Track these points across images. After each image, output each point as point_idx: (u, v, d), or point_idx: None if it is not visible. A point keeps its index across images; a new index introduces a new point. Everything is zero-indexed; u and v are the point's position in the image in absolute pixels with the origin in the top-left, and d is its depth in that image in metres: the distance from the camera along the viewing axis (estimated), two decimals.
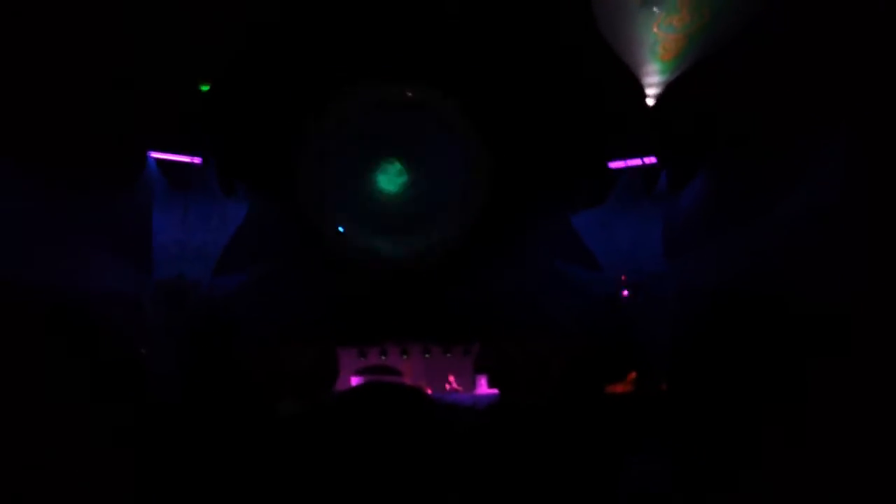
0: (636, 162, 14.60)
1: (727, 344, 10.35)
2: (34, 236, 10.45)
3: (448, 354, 15.66)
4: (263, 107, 13.46)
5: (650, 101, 10.87)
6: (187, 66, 11.90)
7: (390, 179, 15.33)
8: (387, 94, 14.93)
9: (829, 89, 10.09)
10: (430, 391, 14.23)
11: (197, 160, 14.07)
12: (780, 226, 11.42)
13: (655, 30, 9.98)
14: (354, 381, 14.51)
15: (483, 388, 14.36)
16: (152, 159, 13.74)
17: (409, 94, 14.85)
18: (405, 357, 15.51)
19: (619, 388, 11.13)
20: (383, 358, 15.37)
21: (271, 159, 14.17)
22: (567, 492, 3.31)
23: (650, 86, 10.82)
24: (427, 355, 15.59)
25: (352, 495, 2.32)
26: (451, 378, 14.78)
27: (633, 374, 11.54)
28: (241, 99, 13.19)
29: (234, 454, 3.40)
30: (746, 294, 11.22)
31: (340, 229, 15.11)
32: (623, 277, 14.48)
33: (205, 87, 12.29)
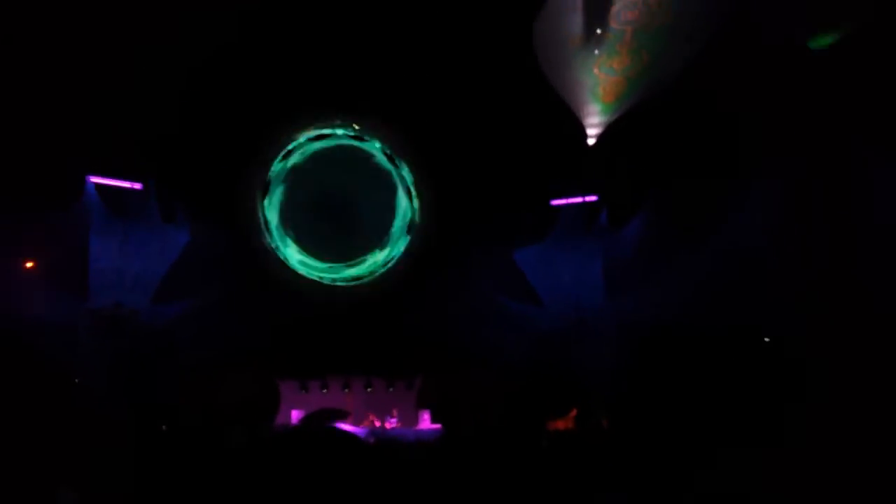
0: (577, 199, 14.89)
1: (667, 378, 10.57)
2: None
3: (391, 388, 15.57)
4: (206, 133, 13.34)
5: (591, 141, 11.11)
6: (131, 91, 11.76)
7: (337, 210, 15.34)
8: (330, 124, 14.98)
9: (767, 126, 10.52)
10: (377, 423, 14.13)
11: (137, 185, 13.83)
12: (717, 260, 11.78)
13: (596, 71, 10.23)
14: (295, 415, 14.30)
15: (426, 422, 14.29)
16: (91, 184, 13.47)
17: (354, 126, 14.93)
18: (347, 391, 15.37)
19: (560, 425, 11.20)
20: (324, 392, 15.19)
21: (212, 186, 14.02)
22: None
23: (591, 126, 11.05)
24: (369, 389, 15.48)
25: None
26: (395, 412, 14.69)
27: (575, 411, 11.64)
28: (184, 125, 13.06)
29: (171, 482, 3.35)
30: (685, 328, 11.50)
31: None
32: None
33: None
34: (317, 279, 15.16)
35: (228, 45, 12.22)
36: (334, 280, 15.22)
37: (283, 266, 15.05)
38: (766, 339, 10.57)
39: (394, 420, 14.50)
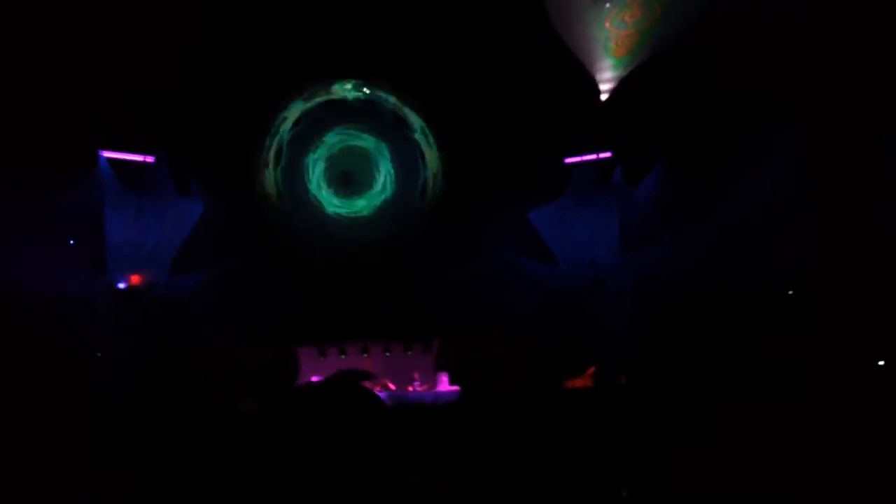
0: (591, 157, 14.74)
1: (684, 335, 10.55)
2: None
3: (409, 352, 15.64)
4: (218, 104, 13.30)
5: (604, 97, 10.96)
6: (141, 62, 11.70)
7: (348, 179, 15.35)
8: (341, 91, 14.89)
9: (783, 81, 10.33)
10: (393, 387, 14.20)
11: (150, 159, 13.83)
12: (734, 216, 11.66)
13: (607, 25, 10.06)
14: (315, 381, 14.41)
15: (444, 384, 14.37)
16: (104, 158, 13.48)
17: (365, 90, 14.83)
18: (366, 356, 15.46)
19: (577, 383, 11.23)
20: (343, 357, 15.29)
21: (226, 156, 14.02)
22: (529, 486, 3.34)
23: (604, 81, 10.90)
24: (387, 353, 15.56)
25: (312, 489, 2.31)
26: (416, 375, 14.76)
27: (592, 369, 11.66)
28: (196, 96, 13.01)
29: (191, 453, 3.36)
30: (702, 285, 11.44)
31: None
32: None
33: None
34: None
35: (239, 9, 12.14)
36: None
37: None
38: (790, 292, 10.49)
39: (417, 384, 14.57)
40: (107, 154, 13.50)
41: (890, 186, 9.56)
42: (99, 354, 12.39)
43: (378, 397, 2.63)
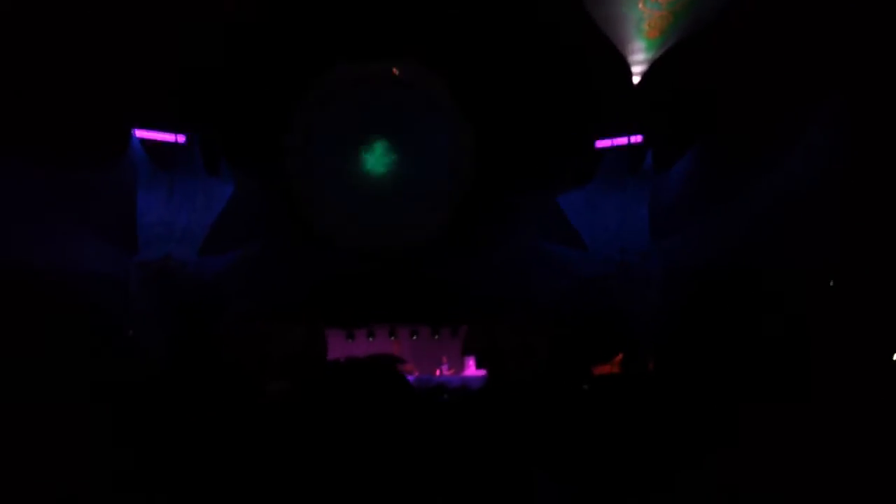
0: (622, 141, 14.57)
1: (713, 322, 10.43)
2: (17, 217, 10.37)
3: (436, 336, 15.69)
4: (249, 84, 13.35)
5: (636, 80, 10.82)
6: (173, 44, 11.76)
7: (377, 160, 15.29)
8: (373, 72, 14.85)
9: (815, 69, 10.11)
10: (416, 373, 14.27)
11: (181, 139, 13.94)
12: (765, 204, 11.47)
13: (641, 7, 9.92)
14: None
15: (472, 369, 14.40)
16: (136, 138, 13.61)
17: (396, 72, 14.78)
18: (393, 339, 15.54)
19: (605, 369, 11.16)
20: (371, 339, 15.38)
21: (257, 137, 14.08)
22: (555, 471, 3.32)
23: (636, 63, 10.77)
24: (415, 337, 15.62)
25: (341, 470, 2.32)
26: (445, 360, 14.80)
27: (620, 356, 11.58)
28: (227, 76, 13.07)
29: (221, 433, 3.39)
30: (731, 272, 11.29)
31: None
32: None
33: None
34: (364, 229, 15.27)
35: None
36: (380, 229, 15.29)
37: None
38: (831, 283, 10.29)
39: (445, 367, 14.62)
40: (139, 133, 13.64)
41: None
42: (131, 332, 12.56)
43: (408, 382, 2.64)
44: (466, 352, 15.08)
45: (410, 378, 12.70)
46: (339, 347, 15.02)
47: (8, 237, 10.00)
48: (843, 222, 9.79)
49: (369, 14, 13.13)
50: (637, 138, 14.42)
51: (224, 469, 2.95)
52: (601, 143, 14.65)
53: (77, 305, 10.67)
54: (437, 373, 14.42)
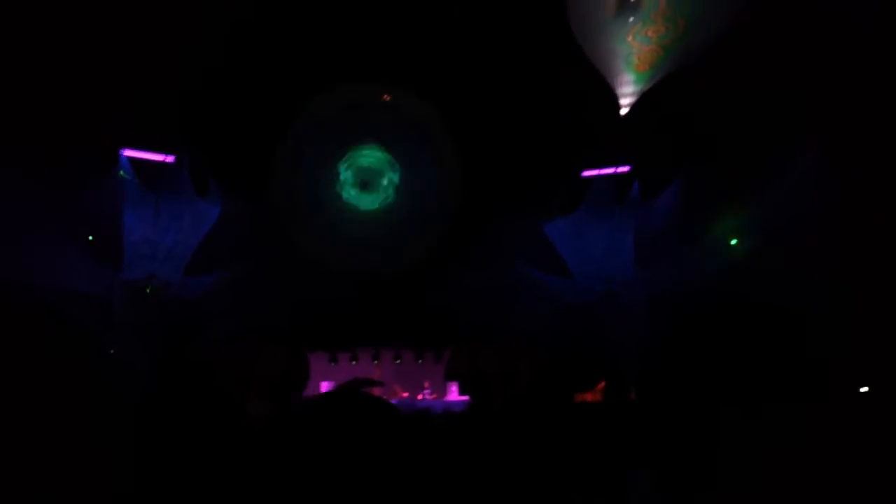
0: (609, 170, 14.70)
1: (697, 352, 10.47)
2: (1, 232, 10.31)
3: (419, 360, 15.64)
4: (238, 106, 13.37)
5: (624, 111, 10.93)
6: (163, 62, 11.78)
7: (370, 197, 15.38)
8: (363, 96, 14.92)
9: (802, 100, 10.25)
10: (405, 395, 14.19)
11: (170, 159, 13.93)
12: (750, 235, 11.58)
13: (630, 40, 10.03)
14: (325, 386, 14.42)
15: (454, 394, 14.36)
16: (124, 157, 13.59)
17: (386, 97, 14.85)
18: (376, 363, 15.47)
19: (588, 397, 11.16)
20: (354, 363, 15.31)
21: (245, 159, 14.08)
22: (539, 499, 3.32)
23: (624, 95, 10.87)
24: (398, 361, 15.57)
25: (322, 496, 2.31)
26: (426, 384, 14.75)
27: (603, 383, 11.59)
28: (216, 97, 13.09)
29: (202, 455, 3.35)
30: (717, 302, 11.36)
31: None
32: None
33: None
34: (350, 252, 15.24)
35: (261, 13, 12.19)
36: (367, 253, 15.26)
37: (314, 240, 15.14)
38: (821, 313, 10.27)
39: (427, 392, 14.57)
40: (128, 153, 13.62)
41: None
42: (112, 351, 12.45)
43: (391, 406, 2.64)
44: (449, 376, 15.04)
45: (395, 402, 12.62)
46: (322, 371, 14.94)
47: None
48: (828, 255, 9.89)
49: (359, 39, 13.21)
50: (624, 168, 14.56)
51: (206, 493, 2.93)
52: (588, 173, 14.77)
53: (59, 322, 10.58)
54: (420, 397, 14.36)
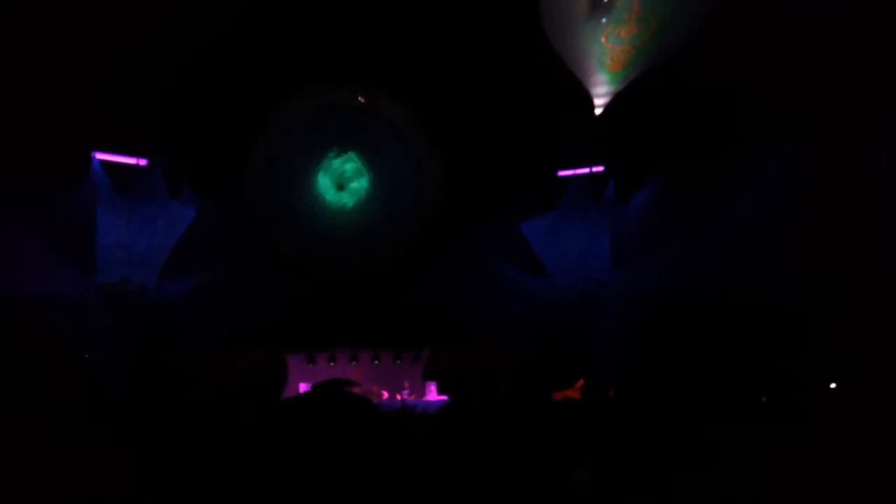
0: (584, 170, 14.79)
1: (674, 349, 10.58)
2: None
3: (398, 361, 15.65)
4: (212, 108, 13.30)
5: (598, 111, 11.00)
6: (136, 66, 11.70)
7: (345, 196, 15.34)
8: (336, 98, 14.89)
9: (774, 100, 10.39)
10: (385, 395, 14.20)
11: (143, 162, 13.82)
12: (723, 232, 11.71)
13: (603, 41, 10.09)
14: (303, 387, 14.38)
15: (433, 394, 14.38)
16: (97, 160, 13.46)
17: (361, 99, 14.84)
18: (354, 364, 15.45)
19: (566, 395, 11.23)
20: (332, 364, 15.28)
21: (219, 161, 14.02)
22: (518, 496, 3.35)
23: (598, 96, 10.94)
24: (376, 362, 15.56)
25: (309, 493, 2.33)
26: (405, 384, 14.76)
27: (581, 382, 11.67)
28: (190, 100, 13.02)
29: (180, 458, 3.36)
30: (693, 300, 11.48)
31: None
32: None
33: None
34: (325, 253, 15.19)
35: (236, 12, 12.14)
36: (343, 254, 15.23)
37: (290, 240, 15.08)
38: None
39: (406, 392, 14.58)
40: (100, 156, 13.49)
41: (889, 195, 9.58)
42: (86, 356, 12.34)
43: (369, 401, 2.66)
44: (428, 377, 15.06)
45: (378, 402, 12.64)
46: (300, 372, 14.90)
47: None
48: (802, 252, 10.03)
49: (335, 41, 13.20)
50: (599, 168, 14.65)
51: (189, 495, 2.93)
52: (564, 172, 14.85)
53: (32, 327, 10.49)
54: (399, 397, 14.37)
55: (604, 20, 9.82)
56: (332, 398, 2.61)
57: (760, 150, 11.24)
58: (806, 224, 10.17)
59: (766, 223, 11.04)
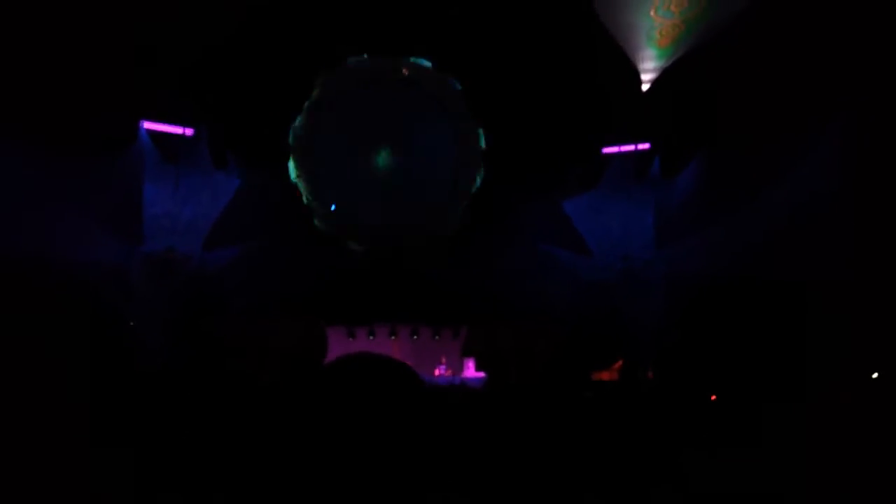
0: (629, 147, 14.55)
1: (714, 331, 10.41)
2: (23, 204, 10.40)
3: (437, 337, 15.69)
4: (257, 79, 13.36)
5: (645, 87, 10.81)
6: (183, 37, 11.77)
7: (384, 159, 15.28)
8: (381, 71, 14.83)
9: (825, 80, 10.08)
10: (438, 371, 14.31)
11: (189, 132, 13.95)
12: (770, 213, 11.44)
13: (652, 14, 9.89)
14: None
15: (471, 371, 14.40)
16: (144, 130, 13.63)
17: (405, 71, 14.76)
18: (393, 338, 15.53)
19: (604, 376, 11.15)
20: (371, 338, 15.38)
21: (264, 132, 14.10)
22: (553, 477, 3.32)
23: (646, 71, 10.75)
24: (415, 337, 15.62)
25: (339, 464, 2.32)
26: (443, 360, 14.81)
27: (620, 362, 11.57)
28: (235, 71, 13.09)
29: (219, 425, 3.39)
30: (734, 281, 11.27)
31: (332, 207, 15.01)
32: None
33: None
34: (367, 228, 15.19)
35: None
36: (385, 229, 15.20)
37: (333, 214, 15.11)
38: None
39: (443, 367, 14.63)
40: (148, 125, 13.66)
41: None
42: (132, 323, 12.58)
43: (411, 369, 2.64)
44: (466, 353, 15.08)
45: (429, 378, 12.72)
46: (340, 345, 15.02)
47: (11, 224, 10.03)
48: (849, 234, 9.77)
49: (379, 12, 13.13)
50: (644, 145, 14.40)
51: (224, 466, 2.96)
52: (608, 150, 14.63)
53: (80, 294, 10.70)
54: (436, 373, 14.43)
55: None
56: (372, 364, 2.58)
57: (811, 130, 10.91)
58: (855, 207, 9.88)
59: (815, 204, 10.75)
